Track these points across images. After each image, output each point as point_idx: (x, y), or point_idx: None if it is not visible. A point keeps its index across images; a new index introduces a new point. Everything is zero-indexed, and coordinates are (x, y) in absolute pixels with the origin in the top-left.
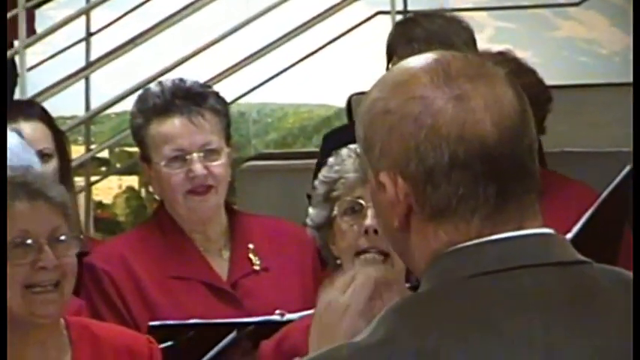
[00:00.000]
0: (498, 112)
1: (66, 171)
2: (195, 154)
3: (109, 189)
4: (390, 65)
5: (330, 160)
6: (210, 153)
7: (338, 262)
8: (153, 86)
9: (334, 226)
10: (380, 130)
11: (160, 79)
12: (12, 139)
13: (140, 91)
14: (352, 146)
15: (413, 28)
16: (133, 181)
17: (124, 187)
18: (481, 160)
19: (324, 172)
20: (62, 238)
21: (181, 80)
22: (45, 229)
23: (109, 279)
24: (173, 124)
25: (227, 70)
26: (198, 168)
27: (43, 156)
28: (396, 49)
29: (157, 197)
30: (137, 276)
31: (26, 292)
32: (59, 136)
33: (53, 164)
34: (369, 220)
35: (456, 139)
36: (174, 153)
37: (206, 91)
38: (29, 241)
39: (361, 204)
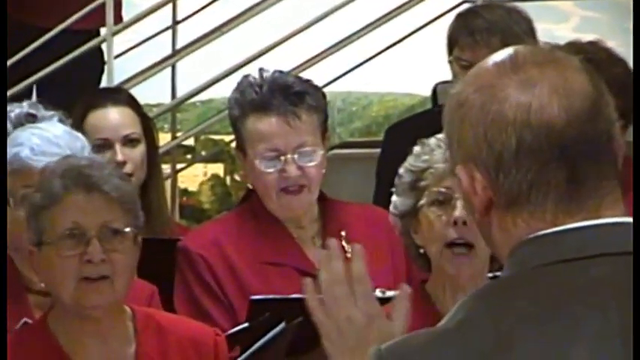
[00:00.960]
0: (567, 96)
1: (153, 157)
2: (289, 156)
3: (194, 176)
4: (450, 57)
5: (417, 149)
6: (305, 154)
7: (421, 250)
8: (252, 75)
9: (419, 215)
10: (455, 123)
11: (259, 67)
12: (57, 129)
13: (239, 77)
14: (440, 136)
15: (474, 19)
16: (218, 168)
17: (209, 175)
18: (549, 145)
19: (410, 161)
20: (115, 231)
21: (282, 74)
22: (96, 222)
23: (204, 263)
24: (270, 123)
25: (312, 58)
26: (292, 169)
27: (131, 141)
28: (458, 41)
29: (239, 183)
30: (231, 260)
31: (78, 284)
32: (147, 122)
33: (141, 149)
34: (458, 212)
35: (522, 123)
36: (268, 152)
37: (305, 89)
38: (79, 233)
39: (450, 195)
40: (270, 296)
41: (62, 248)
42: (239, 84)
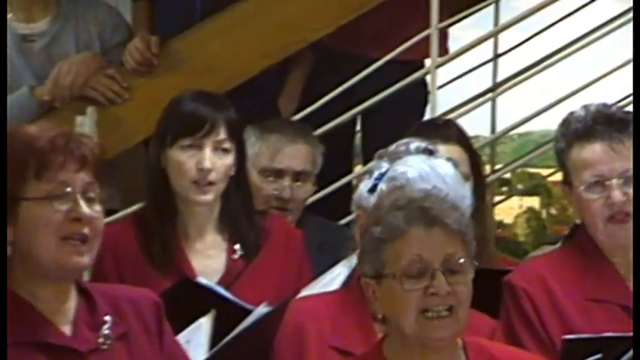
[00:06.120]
0: None
1: (481, 191)
2: (614, 181)
3: (509, 209)
4: None
5: None
6: (629, 180)
7: None
8: (577, 110)
9: None
10: None
11: (583, 103)
12: (449, 169)
13: (559, 111)
14: None
15: None
16: (533, 201)
17: (524, 208)
18: None
19: None
20: (458, 264)
21: (605, 105)
22: (439, 255)
23: (527, 298)
24: (594, 150)
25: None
26: (616, 195)
27: None
28: None
29: (554, 217)
30: (555, 296)
31: (420, 316)
32: (475, 158)
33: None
34: None
35: None
36: (593, 179)
37: (628, 118)
38: (423, 267)
39: None
40: (583, 335)
41: (406, 282)
42: (563, 120)
